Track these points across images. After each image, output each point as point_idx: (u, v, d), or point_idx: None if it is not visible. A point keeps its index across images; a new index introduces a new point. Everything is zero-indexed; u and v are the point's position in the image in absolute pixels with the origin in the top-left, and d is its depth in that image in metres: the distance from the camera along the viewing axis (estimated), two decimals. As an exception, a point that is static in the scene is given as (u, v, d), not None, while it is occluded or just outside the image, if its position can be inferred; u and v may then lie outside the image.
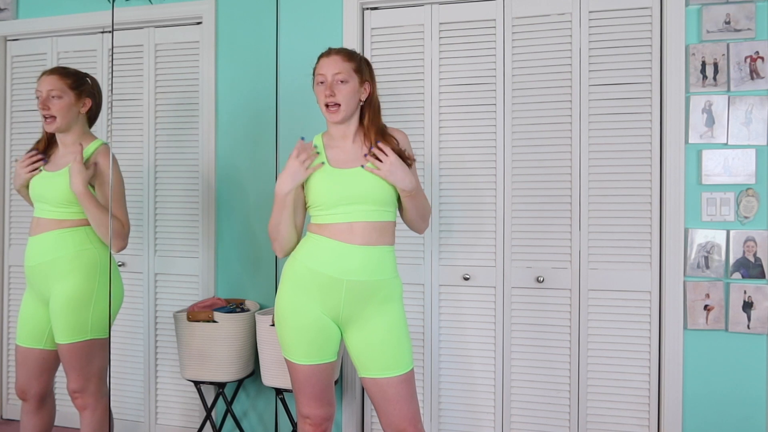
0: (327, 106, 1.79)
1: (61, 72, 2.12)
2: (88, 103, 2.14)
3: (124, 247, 2.12)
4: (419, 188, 1.82)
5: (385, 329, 1.76)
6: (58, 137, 2.16)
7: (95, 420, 2.10)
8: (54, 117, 2.09)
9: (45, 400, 2.17)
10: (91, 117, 2.21)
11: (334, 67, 1.79)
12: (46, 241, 2.07)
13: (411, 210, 1.84)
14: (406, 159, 1.79)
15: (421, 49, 2.59)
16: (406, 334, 1.81)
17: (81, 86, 2.13)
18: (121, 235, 2.10)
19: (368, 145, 1.81)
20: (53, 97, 2.09)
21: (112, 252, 2.13)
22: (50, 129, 2.11)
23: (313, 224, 1.82)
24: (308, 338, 1.77)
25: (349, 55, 1.82)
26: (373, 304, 1.76)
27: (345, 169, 1.80)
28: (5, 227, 2.94)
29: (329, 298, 1.75)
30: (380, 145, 1.76)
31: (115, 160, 2.14)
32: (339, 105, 1.78)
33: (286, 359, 1.83)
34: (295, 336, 1.78)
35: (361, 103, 1.84)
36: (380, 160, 1.75)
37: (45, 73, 2.13)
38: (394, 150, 1.77)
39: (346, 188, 1.77)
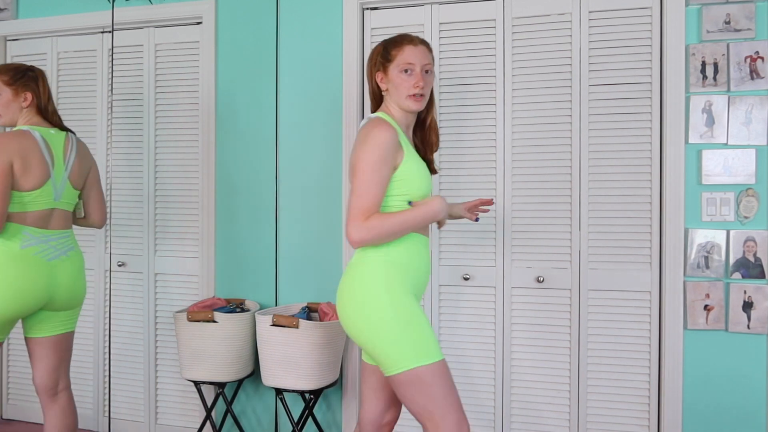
0: (412, 95, 1.72)
1: (1, 69, 2.13)
2: (29, 97, 2.12)
3: (98, 223, 2.30)
4: None
5: None
6: None
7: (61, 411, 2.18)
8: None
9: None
10: (40, 106, 2.15)
11: (423, 57, 1.74)
12: None
13: None
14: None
15: (421, 49, 2.59)
16: None
17: (16, 82, 2.11)
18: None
19: (420, 136, 1.85)
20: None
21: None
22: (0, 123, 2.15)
23: None
24: (432, 332, 1.68)
25: (430, 46, 1.78)
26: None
27: None
28: None
29: (420, 295, 1.75)
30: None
31: (81, 144, 2.21)
32: (423, 95, 1.74)
33: (428, 367, 1.58)
34: (430, 332, 1.65)
35: None
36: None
37: None
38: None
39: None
